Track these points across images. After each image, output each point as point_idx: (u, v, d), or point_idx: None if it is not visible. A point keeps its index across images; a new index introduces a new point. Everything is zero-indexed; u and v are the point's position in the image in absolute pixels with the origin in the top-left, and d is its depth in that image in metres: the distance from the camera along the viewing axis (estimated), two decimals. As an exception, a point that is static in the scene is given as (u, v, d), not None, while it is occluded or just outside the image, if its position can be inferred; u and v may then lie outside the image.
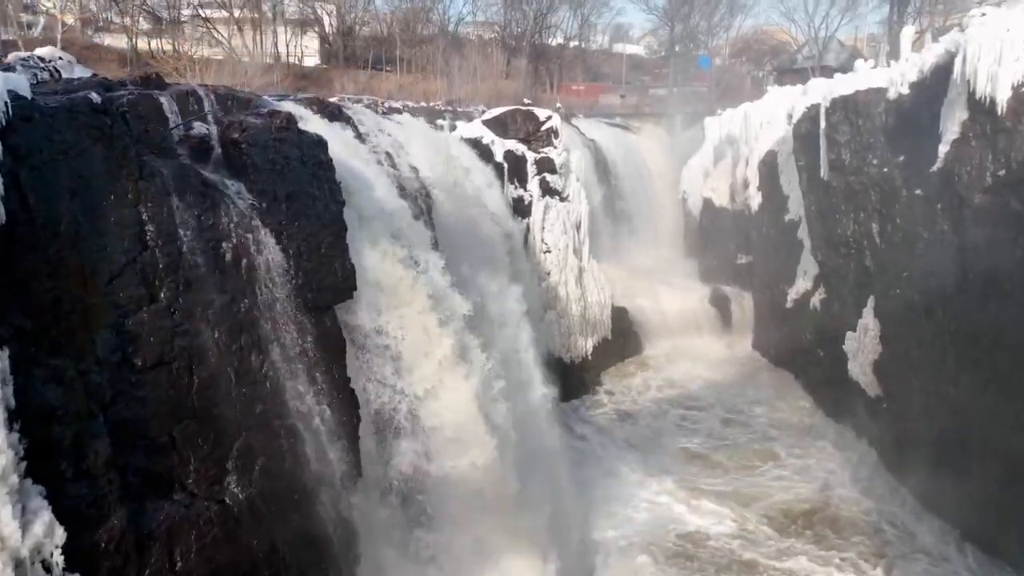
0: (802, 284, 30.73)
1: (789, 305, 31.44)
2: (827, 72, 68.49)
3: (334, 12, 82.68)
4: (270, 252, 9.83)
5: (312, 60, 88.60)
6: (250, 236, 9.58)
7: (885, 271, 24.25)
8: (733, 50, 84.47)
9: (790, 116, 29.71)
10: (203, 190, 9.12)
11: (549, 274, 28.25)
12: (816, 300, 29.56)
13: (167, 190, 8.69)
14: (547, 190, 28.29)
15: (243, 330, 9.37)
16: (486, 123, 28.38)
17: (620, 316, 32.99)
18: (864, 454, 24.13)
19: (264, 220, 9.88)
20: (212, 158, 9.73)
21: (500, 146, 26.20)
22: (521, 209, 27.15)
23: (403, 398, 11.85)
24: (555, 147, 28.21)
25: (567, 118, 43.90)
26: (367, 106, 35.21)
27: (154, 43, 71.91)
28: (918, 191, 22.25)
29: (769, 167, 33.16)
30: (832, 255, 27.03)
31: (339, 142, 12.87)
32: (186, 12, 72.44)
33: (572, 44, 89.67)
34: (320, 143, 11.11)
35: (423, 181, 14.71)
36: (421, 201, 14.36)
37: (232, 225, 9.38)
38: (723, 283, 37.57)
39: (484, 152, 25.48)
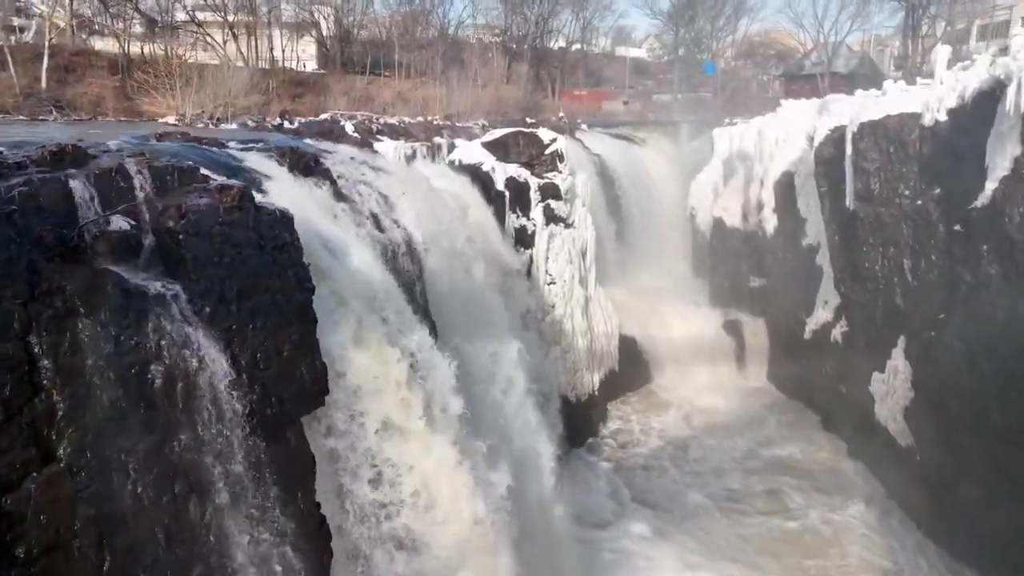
0: (822, 314, 28.65)
1: (807, 336, 29.37)
2: (836, 79, 66.30)
3: (332, 16, 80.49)
4: (216, 368, 7.76)
5: (310, 64, 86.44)
6: (188, 352, 7.50)
7: (918, 311, 22.15)
8: (738, 53, 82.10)
9: (811, 138, 27.55)
10: (124, 302, 7.05)
11: (554, 307, 26.15)
12: (837, 333, 27.49)
13: (72, 309, 6.63)
14: (551, 217, 26.18)
15: (178, 476, 7.30)
16: (486, 146, 26.26)
17: (628, 345, 30.93)
18: (890, 510, 22.04)
19: (208, 329, 7.81)
20: (142, 255, 7.64)
21: (501, 173, 24.08)
22: (524, 239, 25.04)
23: (387, 517, 9.81)
24: (560, 172, 26.07)
25: (571, 131, 41.80)
26: (361, 123, 33.18)
27: (147, 48, 69.94)
28: (958, 227, 20.13)
29: (785, 188, 31.05)
30: (857, 288, 24.92)
31: (313, 204, 10.81)
32: (180, 16, 70.26)
33: (574, 47, 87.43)
34: (284, 220, 9.02)
35: (413, 242, 12.61)
36: (411, 266, 12.31)
37: (163, 342, 7.31)
38: (735, 307, 35.47)
39: (483, 181, 23.34)
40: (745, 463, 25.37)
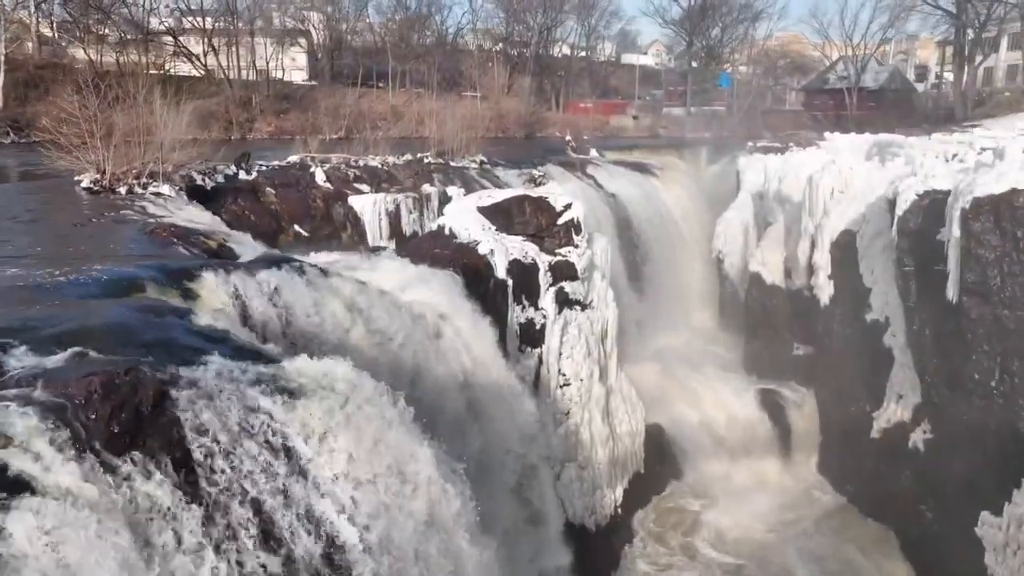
0: (896, 411, 22.95)
1: (876, 434, 23.67)
2: (863, 94, 60.57)
3: (323, 23, 74.45)
4: None
5: (300, 75, 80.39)
6: None
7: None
8: (751, 61, 75.97)
9: (891, 203, 21.74)
10: None
11: (568, 414, 20.46)
12: (918, 439, 21.82)
13: None
14: (565, 302, 20.45)
15: None
16: (484, 211, 20.48)
17: (654, 437, 25.24)
18: None
19: None
20: None
21: (502, 256, 18.31)
22: (531, 336, 19.32)
23: None
24: (576, 245, 20.32)
25: (582, 166, 36.01)
26: (335, 168, 27.40)
27: (124, 59, 63.96)
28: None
29: (845, 251, 25.32)
30: (958, 401, 19.19)
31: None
32: (157, 23, 64.25)
33: (579, 53, 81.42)
34: None
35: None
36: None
37: None
38: (775, 378, 29.78)
39: (477, 269, 17.58)
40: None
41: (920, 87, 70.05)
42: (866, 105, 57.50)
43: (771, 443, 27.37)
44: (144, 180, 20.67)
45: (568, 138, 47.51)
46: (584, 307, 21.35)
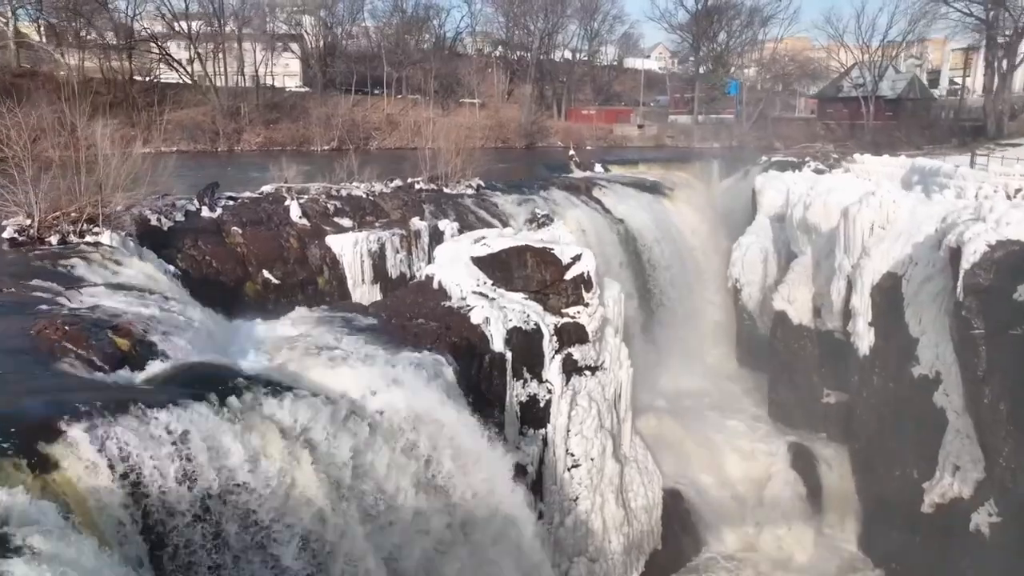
0: (952, 484, 19.82)
1: (927, 508, 20.52)
2: (880, 103, 57.21)
3: (317, 27, 71.08)
4: None
5: (294, 81, 77.04)
6: None
7: None
8: (758, 66, 72.44)
9: (953, 251, 18.53)
10: None
11: (577, 501, 17.33)
12: (983, 522, 18.69)
13: None
14: (573, 369, 17.34)
15: None
16: (479, 262, 17.37)
17: (672, 506, 22.13)
18: None
19: None
20: None
21: (499, 325, 15.14)
22: (534, 415, 16.19)
23: None
24: (587, 304, 17.17)
25: (587, 189, 32.81)
26: (314, 200, 24.22)
27: (108, 65, 60.59)
28: None
29: (888, 296, 22.18)
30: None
31: None
32: (140, 28, 60.91)
33: (580, 56, 77.99)
34: None
35: None
36: None
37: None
38: (803, 428, 26.69)
39: (468, 346, 14.42)
40: None
41: (934, 93, 66.71)
42: (883, 115, 54.24)
43: (802, 507, 24.22)
44: (82, 227, 17.51)
45: (571, 152, 44.35)
46: (595, 370, 18.22)
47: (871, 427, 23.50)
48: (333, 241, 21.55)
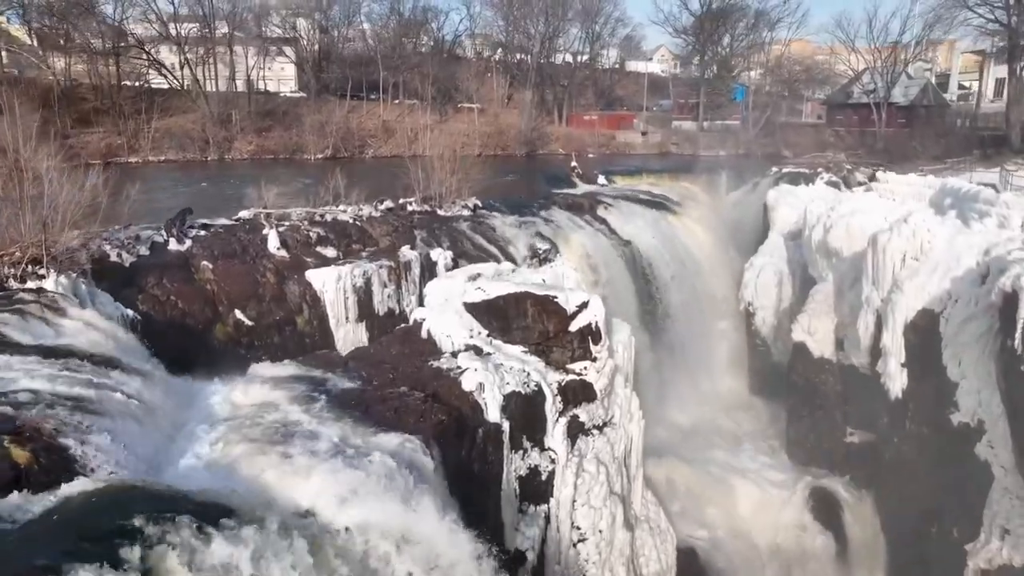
0: (1001, 549, 17.66)
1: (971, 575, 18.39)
2: (893, 110, 54.98)
3: (311, 31, 68.80)
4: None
5: (289, 85, 74.84)
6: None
7: None
8: (766, 70, 70.06)
9: (1007, 295, 16.39)
10: None
11: (584, 577, 15.25)
12: (1037, 598, 16.51)
13: None
14: (580, 431, 15.23)
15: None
16: (473, 309, 15.27)
17: (686, 567, 20.02)
18: None
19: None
20: None
21: (494, 388, 13.00)
22: (535, 490, 14.08)
23: None
24: (595, 358, 15.06)
25: (591, 208, 30.68)
26: (295, 227, 22.10)
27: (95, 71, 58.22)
28: None
29: (924, 336, 20.04)
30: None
31: None
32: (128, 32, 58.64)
33: (581, 59, 75.73)
34: None
35: None
36: None
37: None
38: (824, 468, 24.60)
39: (458, 418, 12.30)
40: None
41: (944, 97, 64.45)
42: (895, 122, 52.04)
43: (825, 554, 22.16)
44: (24, 269, 15.41)
45: (573, 163, 42.23)
46: (604, 426, 16.12)
47: (902, 474, 21.38)
48: (314, 276, 19.43)
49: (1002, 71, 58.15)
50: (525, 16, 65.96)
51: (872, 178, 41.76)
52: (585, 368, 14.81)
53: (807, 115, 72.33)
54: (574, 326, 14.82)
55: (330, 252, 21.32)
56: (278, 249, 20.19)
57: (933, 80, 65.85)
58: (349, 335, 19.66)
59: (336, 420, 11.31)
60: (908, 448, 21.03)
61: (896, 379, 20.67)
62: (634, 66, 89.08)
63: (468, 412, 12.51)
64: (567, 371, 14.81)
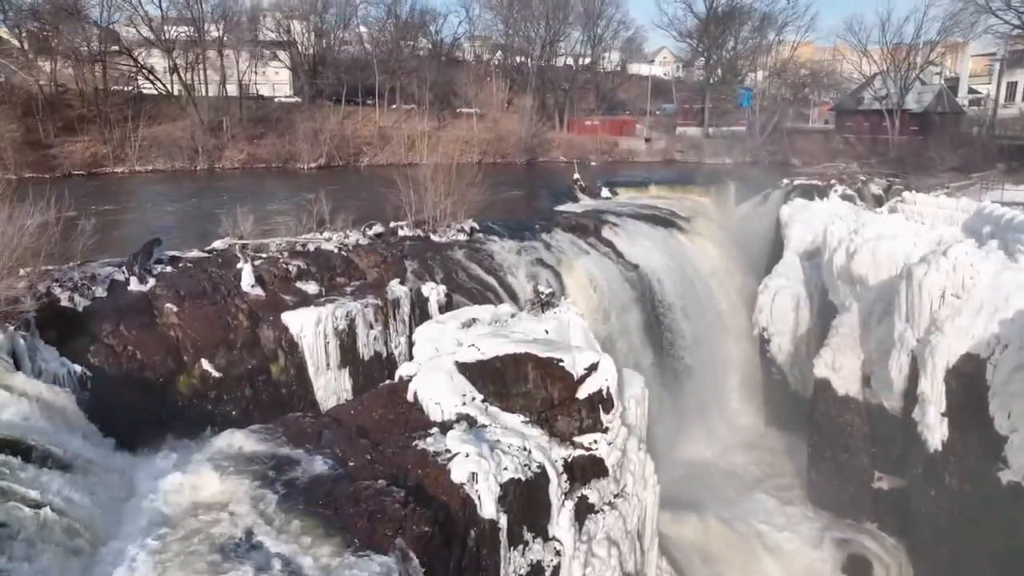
0: (1057, 631, 15.57)
1: (1024, 655, 16.32)
2: (906, 117, 52.80)
3: (306, 34, 66.58)
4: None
5: (284, 89, 72.62)
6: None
7: None
8: (772, 73, 67.72)
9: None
10: None
11: None
12: None
13: None
14: (588, 511, 13.14)
15: None
16: (467, 369, 13.18)
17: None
18: None
19: None
20: None
21: (488, 479, 10.92)
22: (536, 588, 11.98)
23: None
24: (606, 429, 12.97)
25: (596, 229, 28.56)
26: (272, 261, 20.01)
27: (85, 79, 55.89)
28: None
29: (967, 383, 17.94)
30: None
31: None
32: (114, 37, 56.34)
33: (583, 61, 73.41)
34: None
35: None
36: None
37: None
38: (850, 516, 22.52)
39: (446, 517, 10.22)
40: None
41: (959, 103, 62.21)
42: (908, 129, 49.87)
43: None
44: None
45: (575, 176, 40.12)
46: (616, 497, 14.04)
47: (939, 532, 19.30)
48: (291, 319, 17.33)
49: (1014, 75, 56.07)
50: (525, 19, 63.71)
51: (888, 190, 39.74)
52: (595, 442, 12.73)
53: (814, 120, 70.10)
54: (582, 392, 12.74)
55: (311, 287, 19.22)
56: (252, 287, 18.07)
57: (941, 83, 63.69)
58: (330, 383, 17.61)
59: (299, 534, 9.26)
60: (947, 505, 18.93)
61: (935, 430, 18.55)
62: (636, 69, 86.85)
63: (457, 510, 10.44)
64: (574, 444, 12.73)
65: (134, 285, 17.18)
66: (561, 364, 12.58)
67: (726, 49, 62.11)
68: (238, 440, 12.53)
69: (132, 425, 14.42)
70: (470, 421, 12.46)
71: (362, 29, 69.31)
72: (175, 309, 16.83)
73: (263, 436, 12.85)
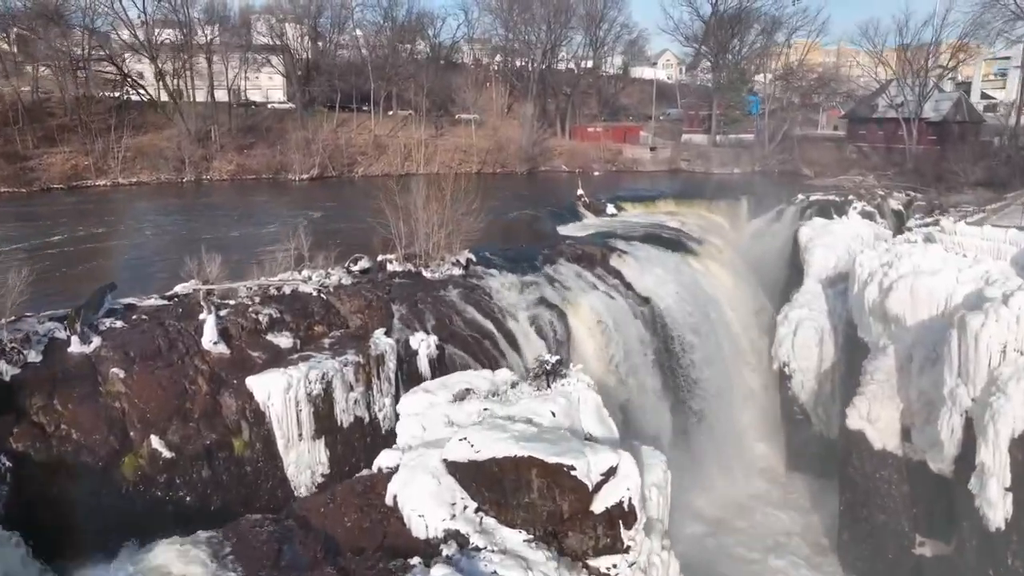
0: None
1: None
2: (923, 126, 50.16)
3: (300, 38, 63.99)
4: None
5: (278, 94, 70.01)
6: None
7: None
8: (780, 77, 64.95)
9: None
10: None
11: None
12: None
13: None
14: (606, 643, 10.66)
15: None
16: (457, 470, 10.73)
17: None
18: None
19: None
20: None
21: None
22: None
23: None
24: (627, 549, 10.49)
25: (603, 258, 26.07)
26: (242, 305, 17.55)
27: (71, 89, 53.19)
28: None
29: (1037, 455, 15.47)
30: None
31: None
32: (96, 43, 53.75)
33: (585, 64, 70.76)
34: None
35: None
36: None
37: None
38: (888, 585, 20.11)
39: None
40: None
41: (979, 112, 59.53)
42: (925, 139, 47.34)
43: None
44: None
45: (579, 191, 37.64)
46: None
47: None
48: (256, 384, 14.86)
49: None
50: (526, 22, 61.12)
51: (908, 205, 37.24)
52: (614, 566, 10.27)
53: (823, 126, 67.56)
54: (598, 505, 10.28)
55: (284, 340, 16.73)
56: (215, 343, 15.60)
57: (959, 91, 61.08)
58: (303, 457, 15.17)
59: None
60: (1009, 585, 16.48)
61: (998, 507, 16.03)
62: (638, 72, 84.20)
63: None
64: (588, 570, 10.27)
65: (75, 346, 14.68)
66: (573, 473, 10.11)
67: (732, 53, 59.47)
68: (171, 559, 10.14)
69: (62, 528, 12.08)
70: (460, 541, 10.02)
71: (358, 33, 66.66)
72: (122, 375, 14.36)
73: (205, 551, 10.47)
